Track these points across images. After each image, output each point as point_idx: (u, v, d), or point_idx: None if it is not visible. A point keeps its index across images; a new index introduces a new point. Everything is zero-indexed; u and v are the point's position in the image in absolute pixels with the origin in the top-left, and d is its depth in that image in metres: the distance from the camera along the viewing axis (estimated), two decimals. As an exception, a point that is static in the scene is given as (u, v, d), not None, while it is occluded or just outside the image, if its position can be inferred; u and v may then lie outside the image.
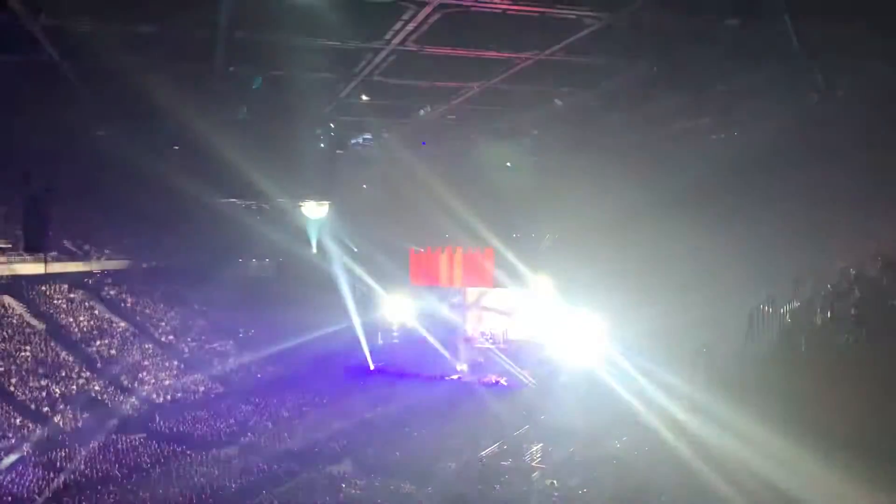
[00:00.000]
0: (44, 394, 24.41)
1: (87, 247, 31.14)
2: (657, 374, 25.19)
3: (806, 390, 13.95)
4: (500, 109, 17.70)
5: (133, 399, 25.88)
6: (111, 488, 18.88)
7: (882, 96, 14.15)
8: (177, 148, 21.09)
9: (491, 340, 31.07)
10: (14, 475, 19.43)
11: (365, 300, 33.19)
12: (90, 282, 31.14)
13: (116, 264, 31.78)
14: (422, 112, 17.85)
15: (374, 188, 27.51)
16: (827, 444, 12.42)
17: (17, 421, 22.49)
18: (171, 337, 30.81)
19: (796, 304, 17.04)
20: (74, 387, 25.39)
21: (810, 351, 15.25)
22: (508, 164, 25.95)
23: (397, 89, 15.15)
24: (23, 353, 25.82)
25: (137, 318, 30.95)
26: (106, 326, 29.44)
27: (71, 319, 28.91)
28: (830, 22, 10.41)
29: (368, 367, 31.45)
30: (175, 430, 24.10)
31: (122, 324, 29.99)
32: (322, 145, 18.33)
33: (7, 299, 27.90)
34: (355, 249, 30.80)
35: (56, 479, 19.07)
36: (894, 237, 16.10)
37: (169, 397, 27.08)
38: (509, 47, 11.99)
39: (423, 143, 20.25)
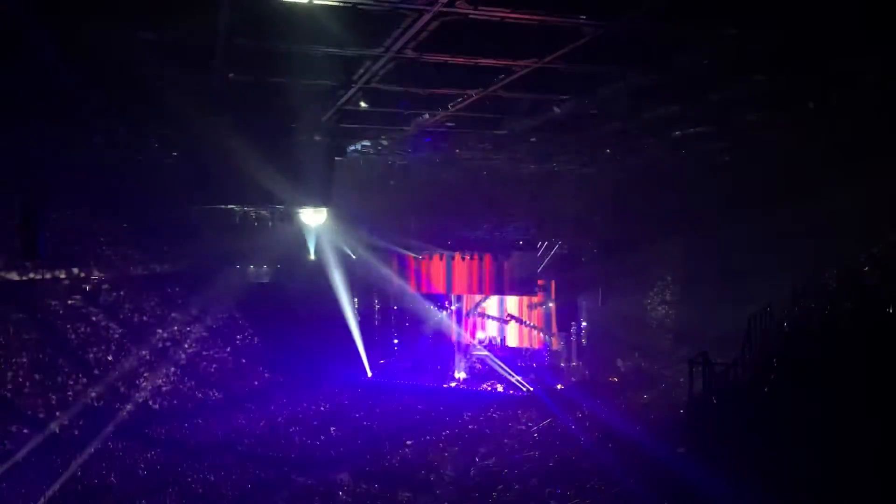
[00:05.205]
0: (39, 401, 24.29)
1: (83, 253, 31.01)
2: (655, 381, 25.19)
3: (804, 399, 13.95)
4: (499, 117, 17.71)
5: (129, 406, 25.79)
6: (107, 496, 18.82)
7: (877, 102, 14.23)
8: (175, 154, 21.08)
9: (488, 348, 31.09)
10: (9, 483, 19.33)
11: (362, 307, 33.16)
12: (87, 288, 31.02)
13: (114, 271, 31.66)
14: (420, 119, 17.86)
15: (373, 195, 27.50)
16: (824, 456, 12.40)
17: (13, 428, 22.38)
18: (168, 343, 30.69)
19: (795, 312, 17.08)
20: (71, 393, 25.28)
21: (809, 359, 15.25)
22: (507, 170, 25.99)
23: (396, 96, 15.15)
24: (19, 360, 25.69)
25: (134, 324, 30.83)
26: (103, 333, 29.32)
27: (68, 326, 28.79)
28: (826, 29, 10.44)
29: (366, 374, 31.43)
30: (171, 436, 24.04)
31: (119, 330, 29.88)
32: (320, 152, 18.29)
33: (2, 306, 27.76)
34: (353, 256, 30.80)
35: (52, 487, 18.97)
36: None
37: (165, 404, 27.00)
38: (508, 55, 11.98)
39: (427, 140, 20.27)
